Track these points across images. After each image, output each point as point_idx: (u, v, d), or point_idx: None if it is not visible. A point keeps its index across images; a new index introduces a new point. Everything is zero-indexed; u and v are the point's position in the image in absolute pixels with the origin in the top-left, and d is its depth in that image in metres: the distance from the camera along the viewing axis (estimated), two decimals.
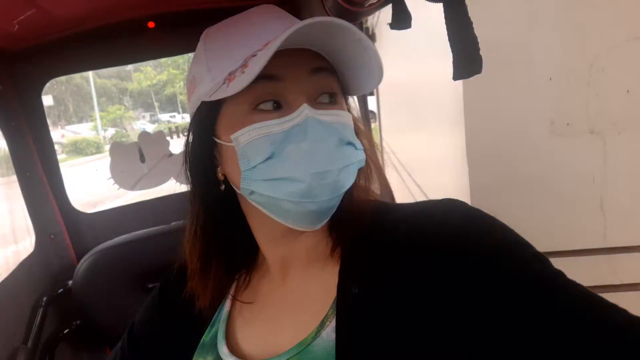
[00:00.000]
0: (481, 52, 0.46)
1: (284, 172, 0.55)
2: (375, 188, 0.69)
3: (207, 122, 0.62)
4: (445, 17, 0.44)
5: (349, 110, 0.65)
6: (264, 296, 0.70)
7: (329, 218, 0.60)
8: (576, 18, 1.46)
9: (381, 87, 2.76)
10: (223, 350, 0.65)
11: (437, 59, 1.77)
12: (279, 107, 0.57)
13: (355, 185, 0.62)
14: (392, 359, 0.52)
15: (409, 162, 2.71)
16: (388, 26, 0.72)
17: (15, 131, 1.36)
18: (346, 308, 0.56)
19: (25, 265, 1.32)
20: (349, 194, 0.61)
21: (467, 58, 0.44)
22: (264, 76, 0.53)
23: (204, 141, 0.63)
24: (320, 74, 0.59)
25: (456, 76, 0.45)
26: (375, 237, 0.60)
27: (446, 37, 0.49)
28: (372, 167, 0.67)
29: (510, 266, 0.49)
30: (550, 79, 1.50)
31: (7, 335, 1.15)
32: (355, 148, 0.60)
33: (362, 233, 0.61)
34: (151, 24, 1.39)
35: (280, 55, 0.52)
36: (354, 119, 0.64)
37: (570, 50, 1.48)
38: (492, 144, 1.57)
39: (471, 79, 0.50)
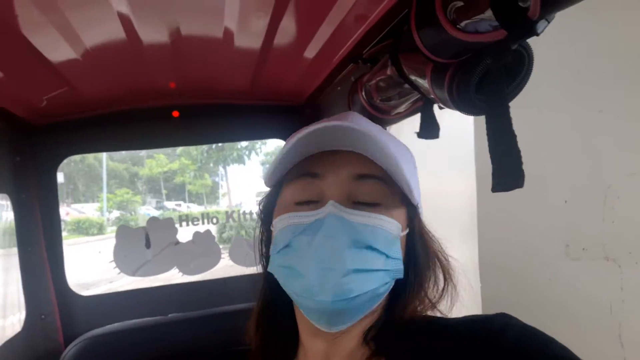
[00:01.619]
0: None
1: (292, 262, 0.57)
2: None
3: (268, 206, 0.69)
4: (488, 129, 0.43)
5: (411, 218, 0.63)
6: None
7: (345, 323, 0.57)
8: (589, 143, 1.48)
9: None
10: None
11: (453, 169, 1.79)
12: (316, 202, 0.60)
13: (394, 296, 0.61)
14: None
15: None
16: (413, 134, 0.73)
17: (25, 204, 1.34)
18: None
19: (9, 345, 1.23)
20: (390, 305, 0.61)
21: (508, 171, 0.43)
22: (308, 173, 0.60)
23: (266, 224, 0.70)
24: (366, 181, 0.60)
25: (495, 188, 0.44)
26: (423, 347, 0.58)
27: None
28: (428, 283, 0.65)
29: None
30: (566, 201, 1.49)
31: None
32: (387, 256, 0.57)
33: (408, 344, 0.59)
34: (176, 113, 1.43)
35: (325, 156, 0.59)
36: (423, 232, 0.65)
37: (584, 176, 1.48)
38: (506, 260, 1.54)
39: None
